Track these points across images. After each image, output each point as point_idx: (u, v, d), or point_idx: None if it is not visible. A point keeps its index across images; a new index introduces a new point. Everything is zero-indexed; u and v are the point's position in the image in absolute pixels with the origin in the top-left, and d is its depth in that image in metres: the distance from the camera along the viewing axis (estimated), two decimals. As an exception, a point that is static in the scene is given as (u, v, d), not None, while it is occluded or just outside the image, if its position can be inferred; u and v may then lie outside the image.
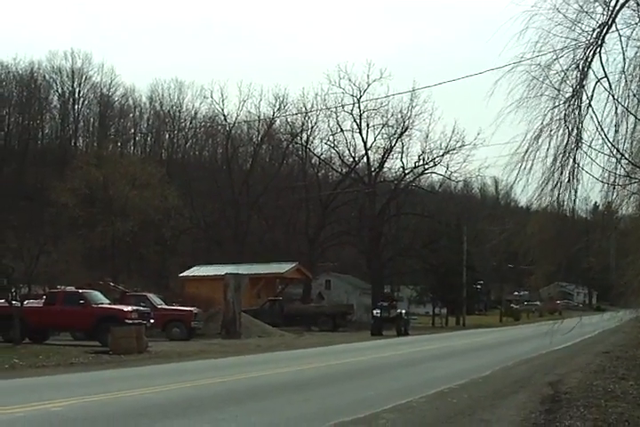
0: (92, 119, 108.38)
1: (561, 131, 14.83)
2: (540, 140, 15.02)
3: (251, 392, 17.79)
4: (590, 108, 14.64)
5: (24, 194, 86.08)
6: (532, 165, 15.30)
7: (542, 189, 15.36)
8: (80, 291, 37.22)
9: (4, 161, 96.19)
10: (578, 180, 15.07)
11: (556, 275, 17.17)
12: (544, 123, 14.98)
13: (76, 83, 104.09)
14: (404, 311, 56.67)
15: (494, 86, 15.42)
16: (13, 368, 23.37)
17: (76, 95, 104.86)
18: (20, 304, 33.59)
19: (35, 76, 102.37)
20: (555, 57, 14.85)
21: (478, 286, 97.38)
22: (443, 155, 78.31)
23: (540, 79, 15.00)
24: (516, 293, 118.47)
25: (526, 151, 15.15)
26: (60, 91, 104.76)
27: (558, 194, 15.17)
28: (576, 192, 15.28)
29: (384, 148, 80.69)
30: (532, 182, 15.57)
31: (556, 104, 14.91)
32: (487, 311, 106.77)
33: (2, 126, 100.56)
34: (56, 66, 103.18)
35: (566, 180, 14.94)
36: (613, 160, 14.80)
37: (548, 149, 15.07)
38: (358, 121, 79.46)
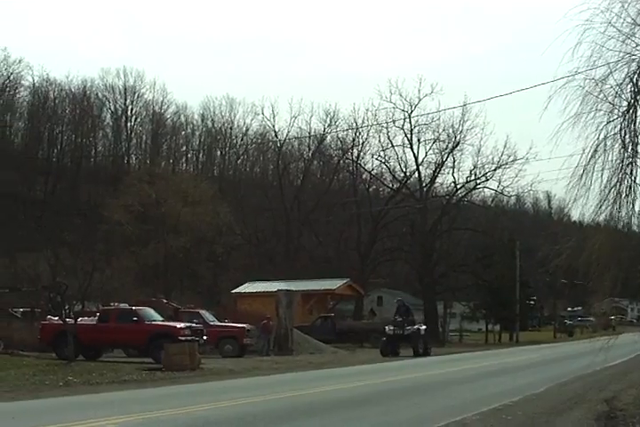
0: (144, 136, 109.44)
1: (617, 146, 14.66)
2: (597, 156, 14.85)
3: (304, 409, 17.70)
4: (645, 122, 14.47)
5: (78, 211, 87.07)
6: (591, 181, 15.11)
7: (600, 206, 15.17)
8: (133, 308, 37.41)
9: (58, 179, 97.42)
10: (634, 195, 14.89)
11: (613, 291, 16.94)
12: (600, 138, 14.82)
13: (128, 100, 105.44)
14: (423, 327, 47.98)
15: (548, 101, 15.26)
16: (68, 385, 23.48)
17: (129, 113, 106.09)
18: (73, 321, 33.81)
19: (87, 94, 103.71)
20: (609, 71, 14.70)
21: (532, 302, 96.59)
22: (495, 169, 77.91)
23: (595, 94, 14.84)
24: (570, 308, 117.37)
25: (584, 168, 14.98)
26: (112, 108, 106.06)
27: (614, 210, 14.99)
28: (632, 207, 15.09)
29: (435, 163, 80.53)
30: (591, 199, 15.37)
31: (611, 119, 14.74)
32: (541, 327, 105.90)
33: (55, 144, 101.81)
34: (109, 83, 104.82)
35: (623, 195, 14.76)
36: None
37: (603, 164, 14.91)
38: (409, 136, 79.35)
